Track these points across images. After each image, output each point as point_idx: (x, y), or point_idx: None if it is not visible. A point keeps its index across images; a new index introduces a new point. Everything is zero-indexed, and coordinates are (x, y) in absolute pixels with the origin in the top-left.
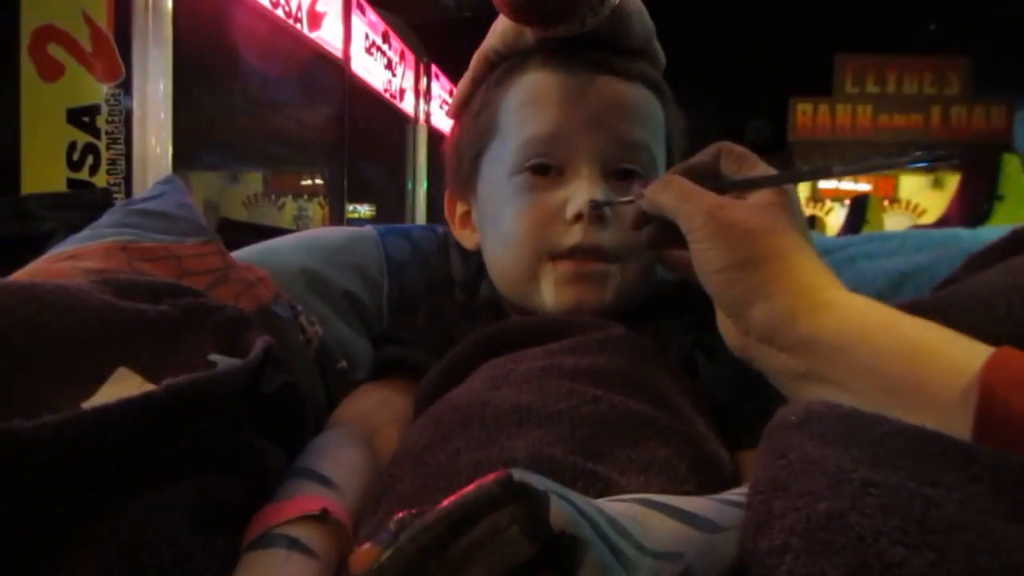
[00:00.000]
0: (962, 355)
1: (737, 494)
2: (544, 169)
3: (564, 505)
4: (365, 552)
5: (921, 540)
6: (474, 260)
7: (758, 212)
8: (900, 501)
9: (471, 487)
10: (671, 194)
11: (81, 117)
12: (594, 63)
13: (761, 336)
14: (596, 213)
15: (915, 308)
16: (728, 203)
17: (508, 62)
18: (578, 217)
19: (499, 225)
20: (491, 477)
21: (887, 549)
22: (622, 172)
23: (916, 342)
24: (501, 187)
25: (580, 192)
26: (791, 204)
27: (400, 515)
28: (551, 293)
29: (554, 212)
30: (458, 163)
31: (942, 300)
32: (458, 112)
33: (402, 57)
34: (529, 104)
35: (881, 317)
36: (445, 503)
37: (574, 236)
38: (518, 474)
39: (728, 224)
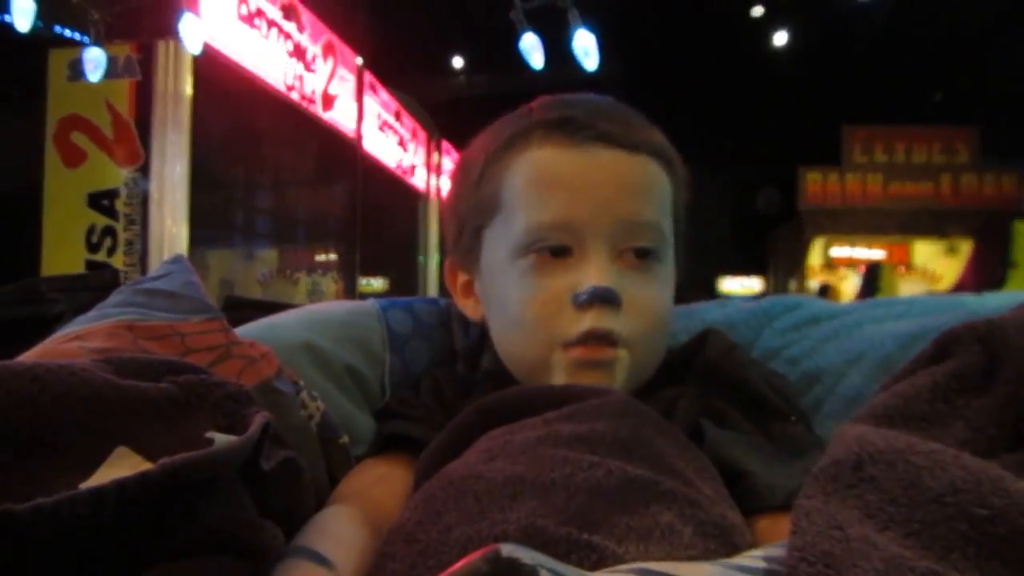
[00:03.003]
0: None
1: (750, 558)
2: (554, 251)
3: None
4: None
5: None
6: (475, 331)
7: None
8: None
9: (459, 565)
10: None
11: (101, 201)
12: (599, 136)
13: None
14: (606, 299)
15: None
16: None
17: (509, 132)
18: (587, 304)
19: (506, 309)
20: (479, 554)
21: None
22: (635, 251)
23: None
24: (505, 268)
25: (588, 278)
26: None
27: None
28: (563, 381)
29: (561, 297)
30: (458, 233)
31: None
32: (457, 174)
33: (414, 134)
34: (533, 186)
35: None
36: None
37: (584, 323)
38: (507, 549)
39: None
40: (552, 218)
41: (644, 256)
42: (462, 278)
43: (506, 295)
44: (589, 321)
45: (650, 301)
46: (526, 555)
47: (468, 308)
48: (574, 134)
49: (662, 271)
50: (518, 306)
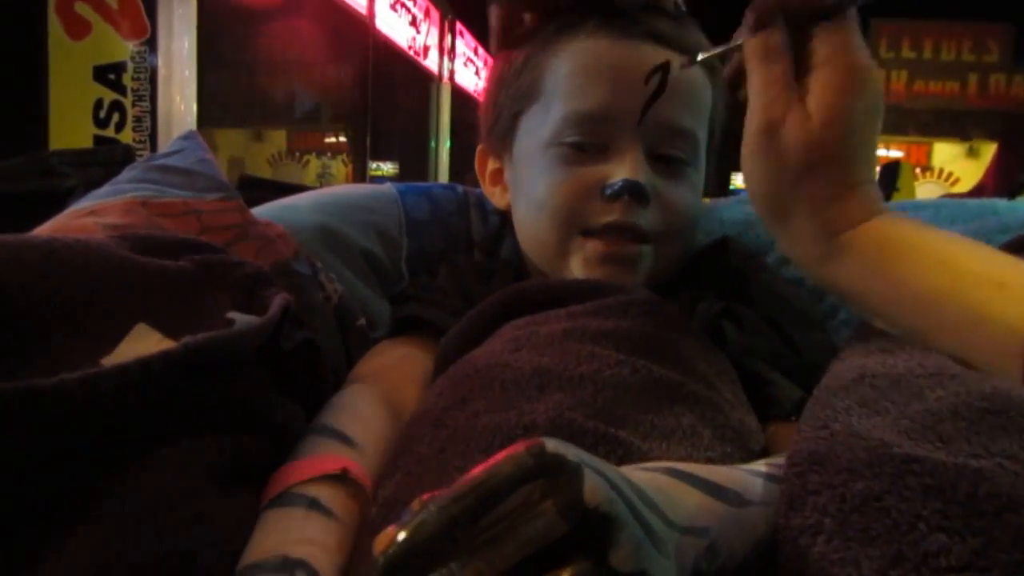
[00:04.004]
0: (977, 304)
1: (767, 465)
2: (588, 146)
3: (599, 480)
4: (389, 533)
5: (964, 524)
6: (494, 221)
7: (806, 142)
8: (944, 480)
9: (502, 456)
10: (753, 76)
11: (107, 75)
12: (652, 34)
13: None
14: (635, 193)
15: None
16: (786, 124)
17: (559, 20)
18: (616, 196)
19: (533, 193)
20: (522, 446)
21: (925, 537)
22: (668, 156)
23: (920, 293)
24: (538, 154)
25: (621, 171)
26: (860, 102)
27: (425, 498)
28: (580, 271)
29: (591, 187)
30: (495, 118)
31: None
32: (499, 51)
33: (427, 14)
34: (579, 75)
35: (894, 260)
36: (474, 472)
37: (609, 214)
38: (551, 444)
39: (771, 154)
40: (592, 108)
41: (676, 162)
42: (492, 165)
43: (536, 180)
44: (616, 213)
45: (678, 201)
46: (570, 452)
47: (495, 196)
48: (627, 28)
49: (692, 176)
50: (546, 190)
